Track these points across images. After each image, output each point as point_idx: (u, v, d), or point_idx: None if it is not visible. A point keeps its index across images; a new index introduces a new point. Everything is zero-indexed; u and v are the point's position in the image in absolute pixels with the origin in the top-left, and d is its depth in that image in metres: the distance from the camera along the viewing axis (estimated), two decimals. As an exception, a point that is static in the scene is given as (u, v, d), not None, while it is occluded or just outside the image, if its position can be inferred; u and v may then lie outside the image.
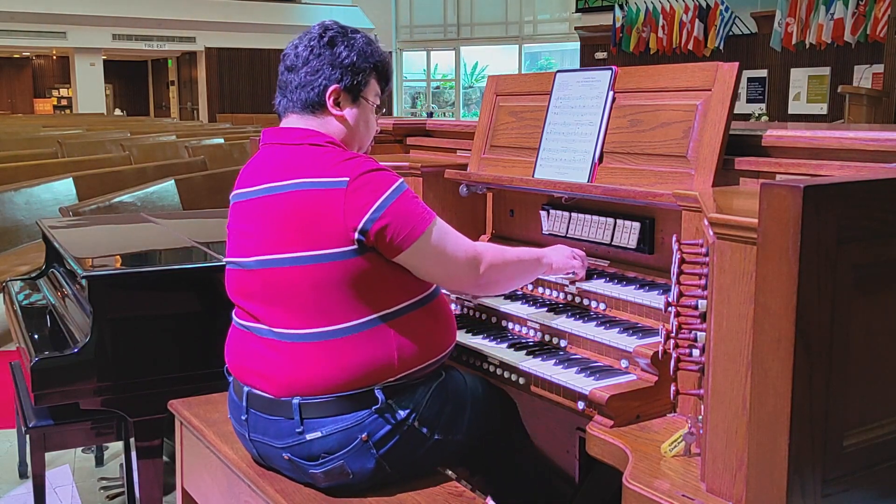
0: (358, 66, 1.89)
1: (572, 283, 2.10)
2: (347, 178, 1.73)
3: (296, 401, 1.75)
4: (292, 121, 1.90)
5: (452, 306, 1.97)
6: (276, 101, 1.95)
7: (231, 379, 1.93)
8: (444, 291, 1.94)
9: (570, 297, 2.11)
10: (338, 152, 1.80)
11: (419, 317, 1.82)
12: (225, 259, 1.94)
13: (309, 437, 1.75)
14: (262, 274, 1.79)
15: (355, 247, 1.73)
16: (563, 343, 1.98)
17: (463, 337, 2.09)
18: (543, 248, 2.07)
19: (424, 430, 1.81)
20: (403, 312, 1.79)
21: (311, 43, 1.88)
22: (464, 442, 1.91)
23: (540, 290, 2.19)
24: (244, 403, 1.84)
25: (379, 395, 1.75)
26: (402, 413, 1.78)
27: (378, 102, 1.98)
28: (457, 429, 1.88)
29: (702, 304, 1.52)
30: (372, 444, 1.75)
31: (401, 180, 1.78)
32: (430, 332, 1.84)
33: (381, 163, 1.81)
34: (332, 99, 1.88)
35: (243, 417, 1.85)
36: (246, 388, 1.84)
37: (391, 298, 1.78)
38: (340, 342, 1.74)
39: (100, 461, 3.44)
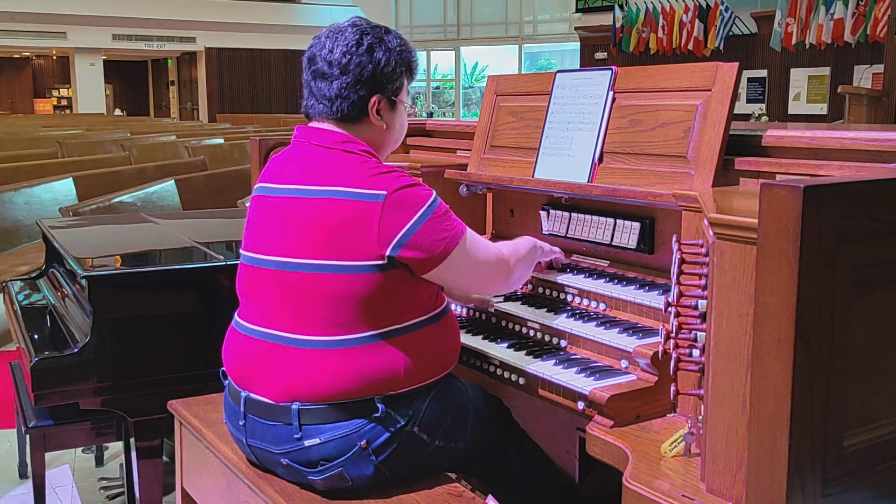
0: (396, 71, 1.86)
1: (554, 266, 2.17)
2: (385, 192, 1.70)
3: (295, 406, 1.74)
4: (327, 125, 1.85)
5: (452, 306, 1.97)
6: (305, 103, 1.88)
7: (227, 383, 1.91)
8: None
9: (570, 297, 2.11)
10: (374, 163, 1.78)
11: (429, 333, 1.81)
12: (241, 251, 1.91)
13: (307, 443, 1.74)
14: (279, 275, 1.77)
15: (383, 262, 1.71)
16: (563, 343, 1.98)
17: (463, 337, 2.08)
18: (523, 238, 2.11)
19: (425, 436, 1.80)
20: (415, 328, 1.78)
21: (349, 50, 1.81)
22: (465, 450, 1.90)
23: (540, 289, 2.19)
24: (242, 409, 1.82)
25: (379, 404, 1.74)
26: (401, 420, 1.76)
27: (408, 99, 1.95)
28: (459, 437, 1.87)
29: (702, 304, 1.52)
30: (371, 451, 1.74)
31: (434, 195, 1.76)
32: (438, 347, 1.83)
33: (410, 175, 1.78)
34: (374, 110, 1.84)
35: (241, 423, 1.83)
36: (244, 394, 1.82)
37: (406, 314, 1.77)
38: (347, 352, 1.72)
39: (100, 461, 3.44)
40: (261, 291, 1.82)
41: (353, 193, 1.71)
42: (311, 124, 1.88)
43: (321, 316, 1.73)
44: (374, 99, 1.84)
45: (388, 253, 1.70)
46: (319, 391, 1.73)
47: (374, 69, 1.82)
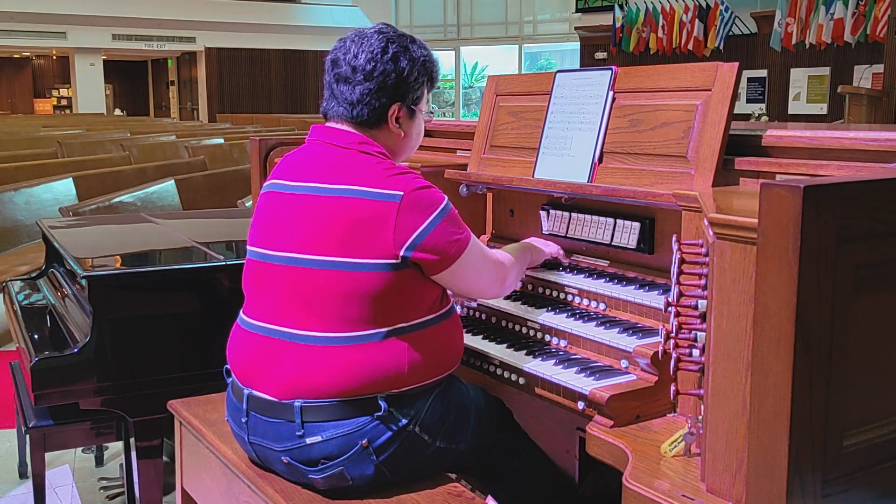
0: (419, 81, 1.88)
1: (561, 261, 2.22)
2: (402, 193, 1.72)
3: (297, 403, 1.74)
4: (344, 126, 1.86)
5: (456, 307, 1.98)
6: (325, 104, 1.89)
7: (230, 380, 1.91)
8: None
9: (570, 297, 2.11)
10: (389, 164, 1.80)
11: (435, 332, 1.82)
12: (248, 246, 1.90)
13: (309, 441, 1.74)
14: (289, 271, 1.77)
15: (397, 262, 1.72)
16: (563, 343, 1.98)
17: (464, 337, 2.09)
18: (521, 243, 2.19)
19: (426, 436, 1.80)
20: (422, 327, 1.79)
21: (374, 57, 1.82)
22: (466, 451, 1.90)
23: (540, 289, 2.19)
24: (244, 406, 1.82)
25: (382, 403, 1.74)
26: (403, 420, 1.77)
27: (426, 108, 1.97)
28: (461, 438, 1.88)
29: (702, 304, 1.52)
30: (372, 451, 1.74)
31: (447, 199, 1.79)
32: (443, 346, 1.84)
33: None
34: (393, 118, 1.86)
35: (243, 420, 1.83)
36: (246, 391, 1.82)
37: (414, 312, 1.78)
38: (353, 349, 1.73)
39: (100, 461, 3.44)
40: (268, 287, 1.82)
41: (370, 193, 1.72)
42: (328, 124, 1.89)
43: (330, 312, 1.73)
44: (394, 107, 1.85)
45: (402, 253, 1.72)
46: (323, 388, 1.73)
47: (398, 78, 1.83)
